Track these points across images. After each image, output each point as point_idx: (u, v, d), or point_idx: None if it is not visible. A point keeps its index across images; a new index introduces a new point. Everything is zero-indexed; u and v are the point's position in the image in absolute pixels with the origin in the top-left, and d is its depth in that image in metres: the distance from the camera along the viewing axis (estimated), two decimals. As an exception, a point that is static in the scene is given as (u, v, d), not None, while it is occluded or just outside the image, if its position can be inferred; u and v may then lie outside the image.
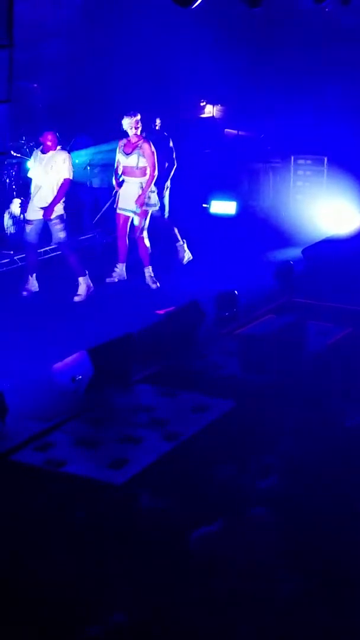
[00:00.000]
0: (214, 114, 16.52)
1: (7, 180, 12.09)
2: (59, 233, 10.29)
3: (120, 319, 9.22)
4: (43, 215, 10.25)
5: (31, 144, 12.36)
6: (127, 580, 4.71)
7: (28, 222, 10.45)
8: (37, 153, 10.47)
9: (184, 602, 4.49)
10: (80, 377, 7.24)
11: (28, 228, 10.42)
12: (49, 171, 10.22)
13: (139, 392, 7.35)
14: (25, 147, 12.33)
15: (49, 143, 10.31)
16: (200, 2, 8.19)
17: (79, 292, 10.29)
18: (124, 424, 6.76)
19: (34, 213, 10.33)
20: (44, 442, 6.42)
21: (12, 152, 11.67)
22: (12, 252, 11.84)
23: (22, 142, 12.34)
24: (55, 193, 10.17)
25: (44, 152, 10.35)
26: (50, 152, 10.28)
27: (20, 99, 11.88)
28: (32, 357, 8.17)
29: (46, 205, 10.20)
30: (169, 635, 4.36)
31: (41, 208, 10.23)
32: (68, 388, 7.30)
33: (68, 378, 7.30)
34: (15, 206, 12.00)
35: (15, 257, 11.70)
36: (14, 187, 12.13)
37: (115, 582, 4.70)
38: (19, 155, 12.12)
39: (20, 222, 11.87)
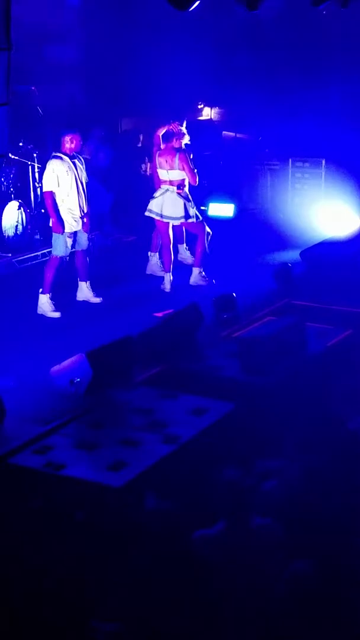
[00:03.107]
0: (212, 117, 16.50)
1: (5, 183, 12.08)
2: (85, 241, 10.02)
3: (120, 321, 9.22)
4: (83, 226, 9.81)
5: (29, 147, 12.36)
6: (127, 583, 4.69)
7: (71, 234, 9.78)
8: (62, 158, 9.58)
9: (183, 605, 4.47)
10: (78, 379, 7.23)
11: (70, 242, 9.78)
12: (83, 176, 9.74)
13: (138, 395, 7.32)
14: (22, 149, 12.34)
15: (73, 146, 9.66)
16: (198, 4, 8.17)
17: (86, 296, 10.20)
18: (123, 426, 6.74)
19: (77, 223, 9.80)
20: (43, 444, 6.41)
21: (10, 155, 11.64)
22: (10, 255, 11.84)
23: (21, 144, 12.33)
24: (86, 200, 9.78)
25: (71, 156, 9.67)
26: (74, 155, 9.71)
27: (19, 102, 11.88)
28: (31, 360, 8.16)
29: (84, 214, 9.76)
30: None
31: (81, 218, 9.76)
32: (67, 391, 7.28)
33: (66, 381, 7.29)
34: (13, 208, 11.97)
35: (14, 260, 11.71)
36: (11, 189, 12.11)
37: (115, 585, 4.68)
38: (16, 157, 12.11)
39: (17, 225, 11.89)
